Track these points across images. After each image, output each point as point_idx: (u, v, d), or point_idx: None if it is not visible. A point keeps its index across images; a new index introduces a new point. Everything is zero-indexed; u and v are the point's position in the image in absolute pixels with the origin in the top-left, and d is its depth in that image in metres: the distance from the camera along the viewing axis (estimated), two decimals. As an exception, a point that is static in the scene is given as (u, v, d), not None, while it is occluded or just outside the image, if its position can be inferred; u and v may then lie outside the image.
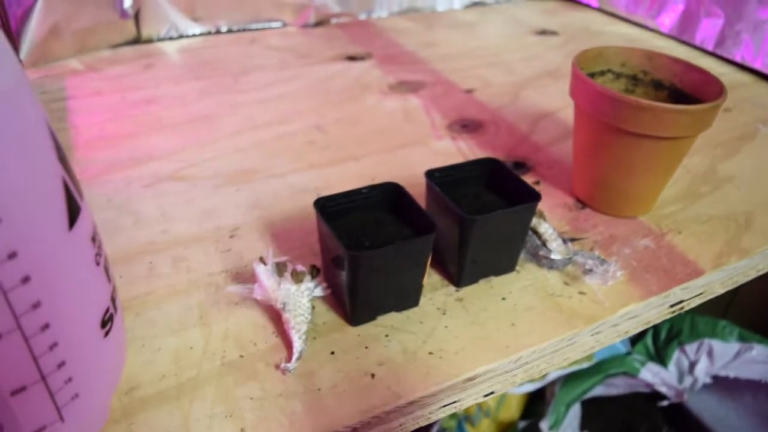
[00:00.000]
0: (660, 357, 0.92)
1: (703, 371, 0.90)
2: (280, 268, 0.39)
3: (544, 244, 0.44)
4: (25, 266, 0.23)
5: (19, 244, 0.23)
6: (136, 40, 0.77)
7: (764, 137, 0.65)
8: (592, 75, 0.52)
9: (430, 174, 0.42)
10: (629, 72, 0.54)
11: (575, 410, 0.93)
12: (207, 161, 0.55)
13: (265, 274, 0.38)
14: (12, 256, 0.23)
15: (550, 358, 0.41)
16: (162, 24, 0.78)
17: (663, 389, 0.93)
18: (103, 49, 0.75)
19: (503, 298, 0.42)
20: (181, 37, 0.80)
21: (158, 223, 0.46)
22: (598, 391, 0.94)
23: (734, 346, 0.90)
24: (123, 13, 0.74)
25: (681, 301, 0.46)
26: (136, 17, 0.75)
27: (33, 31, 0.67)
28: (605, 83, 0.53)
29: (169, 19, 0.78)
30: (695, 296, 0.47)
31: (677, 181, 0.56)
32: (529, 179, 0.54)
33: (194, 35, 0.81)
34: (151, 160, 0.54)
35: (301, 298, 0.38)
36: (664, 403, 0.93)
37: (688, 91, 0.51)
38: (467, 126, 0.62)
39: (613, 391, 0.94)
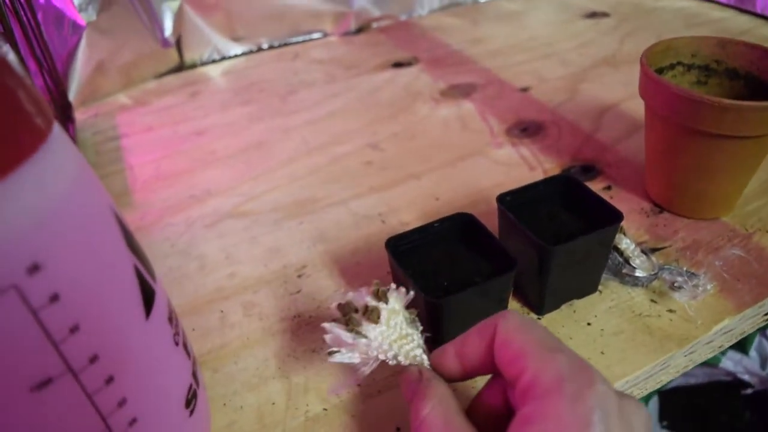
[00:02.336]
0: (740, 344, 0.88)
1: (787, 355, 0.86)
2: (350, 318, 0.31)
3: (626, 261, 0.42)
4: (107, 367, 0.22)
5: (100, 347, 0.22)
6: (180, 67, 0.77)
7: None
8: (660, 70, 0.49)
9: (502, 199, 0.40)
10: (701, 62, 0.50)
11: (653, 402, 0.90)
12: (265, 193, 0.54)
13: (345, 343, 0.31)
14: (93, 360, 0.22)
15: (643, 384, 0.38)
16: (204, 48, 0.77)
17: (746, 377, 0.89)
18: (149, 80, 0.74)
19: (588, 323, 0.40)
20: (223, 58, 0.79)
21: (224, 267, 0.46)
22: (677, 381, 0.91)
23: (820, 326, 0.86)
24: (164, 42, 0.73)
25: (778, 308, 0.43)
26: (178, 44, 0.75)
27: (79, 70, 0.67)
28: (675, 77, 0.50)
29: (210, 42, 0.77)
30: (792, 301, 0.44)
31: (759, 172, 0.52)
32: (599, 184, 0.52)
33: (237, 55, 0.80)
34: (210, 196, 0.53)
35: (394, 334, 0.31)
36: (748, 391, 0.89)
37: (767, 78, 0.47)
38: (527, 129, 0.60)
39: (692, 380, 0.91)
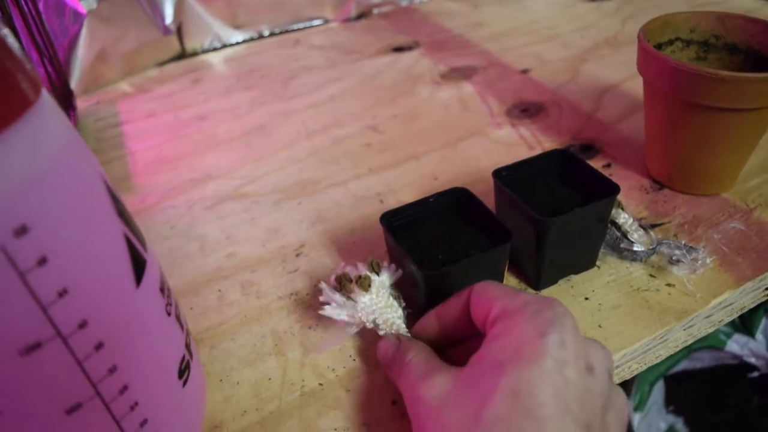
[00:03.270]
0: (746, 327, 0.87)
1: (794, 337, 0.86)
2: (344, 285, 0.36)
3: (624, 235, 0.42)
4: (97, 333, 0.23)
5: (89, 312, 0.22)
6: (182, 55, 0.77)
7: None
8: (659, 46, 0.49)
9: (498, 173, 0.40)
10: (700, 38, 0.50)
11: (659, 387, 0.90)
12: (266, 175, 0.54)
13: (336, 302, 0.35)
14: (83, 325, 0.22)
15: (641, 358, 0.38)
16: (205, 36, 0.77)
17: (752, 360, 0.88)
18: (151, 68, 0.75)
19: (586, 298, 0.40)
20: (225, 46, 0.80)
21: (224, 247, 0.46)
22: (682, 366, 0.91)
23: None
24: (165, 30, 0.74)
25: (778, 282, 0.43)
26: (179, 32, 0.75)
27: (81, 58, 0.68)
28: (674, 53, 0.50)
29: (211, 29, 0.77)
30: (794, 275, 0.44)
31: (759, 148, 0.52)
32: (599, 162, 0.51)
33: (238, 43, 0.80)
34: (211, 179, 0.54)
35: (381, 302, 0.35)
36: (754, 374, 0.89)
37: (767, 52, 0.47)
38: (527, 110, 0.60)
39: (697, 364, 0.90)
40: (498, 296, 0.29)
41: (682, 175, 0.47)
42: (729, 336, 0.88)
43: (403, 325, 0.35)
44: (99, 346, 0.23)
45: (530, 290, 0.40)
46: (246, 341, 0.38)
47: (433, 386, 0.28)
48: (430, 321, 0.33)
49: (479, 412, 0.25)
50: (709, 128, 0.43)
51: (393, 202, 0.49)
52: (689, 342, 0.41)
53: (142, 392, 0.26)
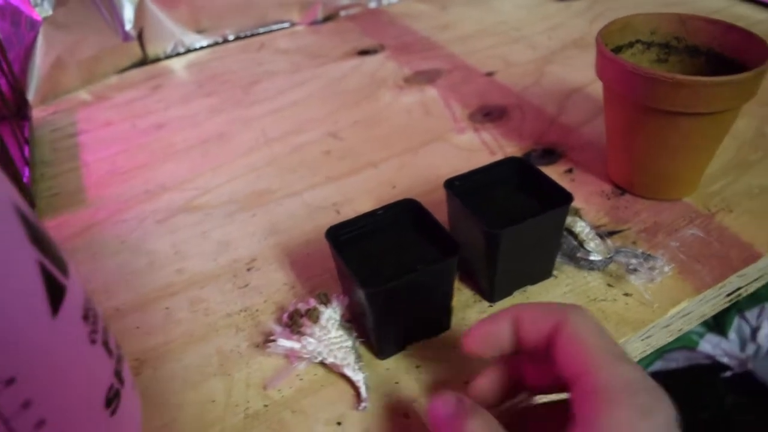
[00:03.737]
0: (719, 326, 0.87)
1: (766, 337, 0.85)
2: (295, 321, 0.37)
3: (581, 244, 0.41)
4: (7, 367, 0.21)
5: (-4, 347, 0.21)
6: (143, 61, 0.75)
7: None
8: (619, 49, 0.48)
9: (450, 184, 0.39)
10: (661, 40, 0.49)
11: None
12: (221, 186, 0.52)
13: (286, 339, 0.36)
14: (-13, 361, 0.21)
15: (599, 370, 0.37)
16: (167, 41, 0.76)
17: (725, 359, 0.88)
18: (111, 75, 0.73)
19: (542, 310, 0.39)
20: (188, 51, 0.78)
21: (173, 263, 0.44)
22: (656, 366, 0.90)
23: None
24: (125, 36, 0.72)
25: (738, 289, 0.42)
26: (140, 38, 0.73)
27: (38, 67, 0.66)
28: (634, 56, 0.49)
29: (173, 35, 0.76)
30: (754, 281, 0.43)
31: (723, 151, 0.51)
32: (561, 167, 0.51)
33: (202, 47, 0.78)
34: (165, 191, 0.52)
35: (329, 335, 0.35)
36: (727, 373, 0.89)
37: (729, 54, 0.46)
38: (490, 114, 0.59)
39: (671, 365, 0.90)
40: (594, 356, 0.25)
41: (643, 180, 0.47)
42: (701, 336, 0.87)
43: (353, 357, 0.35)
44: (10, 381, 0.22)
45: (485, 302, 0.39)
46: (191, 361, 0.37)
47: None
48: (504, 322, 0.28)
49: None
50: (668, 133, 0.43)
51: (349, 212, 0.48)
52: (648, 352, 0.40)
53: (62, 426, 0.24)
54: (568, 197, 0.37)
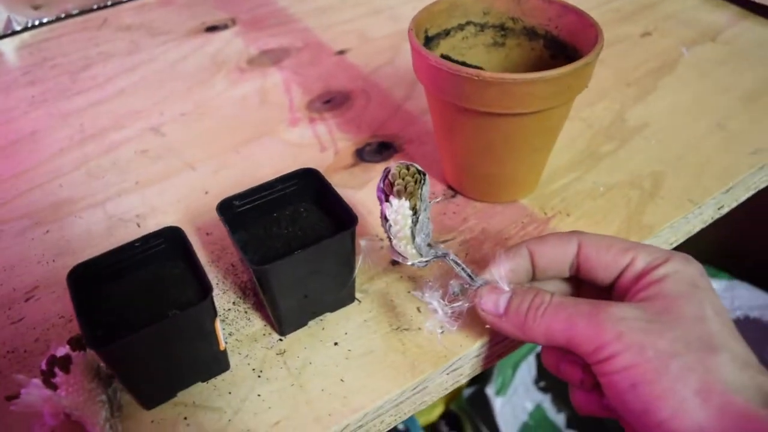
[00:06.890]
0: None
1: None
2: (50, 369, 0.30)
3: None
4: None
5: None
6: (-33, 43, 0.67)
7: (686, 66, 0.55)
8: (447, 32, 0.43)
9: (227, 206, 0.34)
10: (495, 21, 0.44)
11: (526, 367, 0.87)
12: (21, 196, 0.46)
13: (33, 394, 0.30)
14: None
15: (395, 411, 0.34)
16: (-4, 19, 0.67)
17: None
18: (-75, 60, 0.65)
19: (335, 343, 0.34)
20: (25, 29, 0.70)
21: (-62, 296, 0.39)
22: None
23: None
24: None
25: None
26: (-41, 16, 0.65)
27: None
28: (466, 39, 0.44)
29: (4, 11, 0.67)
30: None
31: (575, 141, 0.48)
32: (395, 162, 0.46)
33: (41, 24, 0.70)
34: (-48, 206, 0.46)
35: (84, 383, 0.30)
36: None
37: (565, 38, 0.42)
38: (331, 101, 0.53)
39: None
40: (630, 247, 0.30)
41: (471, 182, 0.42)
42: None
43: (105, 413, 0.31)
44: None
45: (275, 335, 0.35)
46: None
47: (618, 311, 0.27)
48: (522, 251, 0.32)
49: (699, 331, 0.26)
50: (487, 134, 0.38)
51: (152, 225, 0.42)
52: (461, 383, 0.36)
53: None
54: (352, 220, 0.32)
